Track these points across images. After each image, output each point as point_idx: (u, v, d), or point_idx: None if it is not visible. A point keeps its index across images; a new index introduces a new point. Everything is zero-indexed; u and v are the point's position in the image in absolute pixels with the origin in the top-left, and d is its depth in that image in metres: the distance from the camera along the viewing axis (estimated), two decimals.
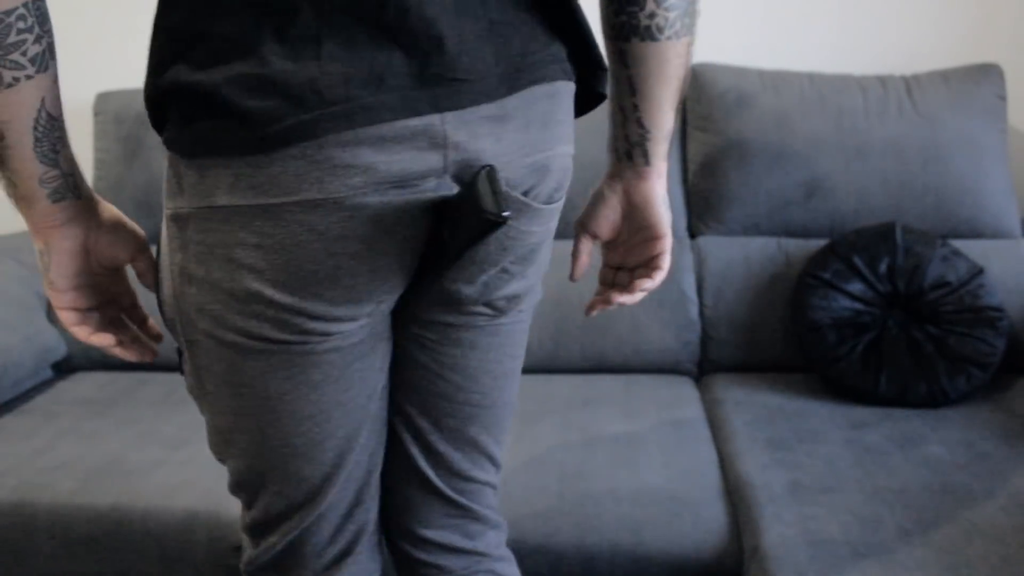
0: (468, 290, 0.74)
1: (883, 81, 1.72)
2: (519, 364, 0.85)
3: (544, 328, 1.67)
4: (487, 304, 0.76)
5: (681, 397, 1.56)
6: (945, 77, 1.71)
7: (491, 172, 0.64)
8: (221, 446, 0.81)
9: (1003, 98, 1.69)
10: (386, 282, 0.70)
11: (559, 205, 0.75)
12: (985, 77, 1.70)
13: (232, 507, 1.25)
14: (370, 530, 0.85)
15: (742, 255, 1.70)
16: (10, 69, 0.62)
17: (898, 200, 1.66)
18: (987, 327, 1.48)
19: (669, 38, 0.72)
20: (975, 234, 1.67)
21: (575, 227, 0.86)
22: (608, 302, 0.85)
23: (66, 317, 0.76)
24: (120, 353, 0.78)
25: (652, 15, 0.71)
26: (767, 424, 1.40)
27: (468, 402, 0.82)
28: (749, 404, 1.49)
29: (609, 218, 0.84)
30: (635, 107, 0.78)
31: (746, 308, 1.67)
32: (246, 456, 0.78)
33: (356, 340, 0.74)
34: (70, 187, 0.72)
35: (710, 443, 1.38)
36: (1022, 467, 1.22)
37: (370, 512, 0.85)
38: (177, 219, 0.68)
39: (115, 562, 1.26)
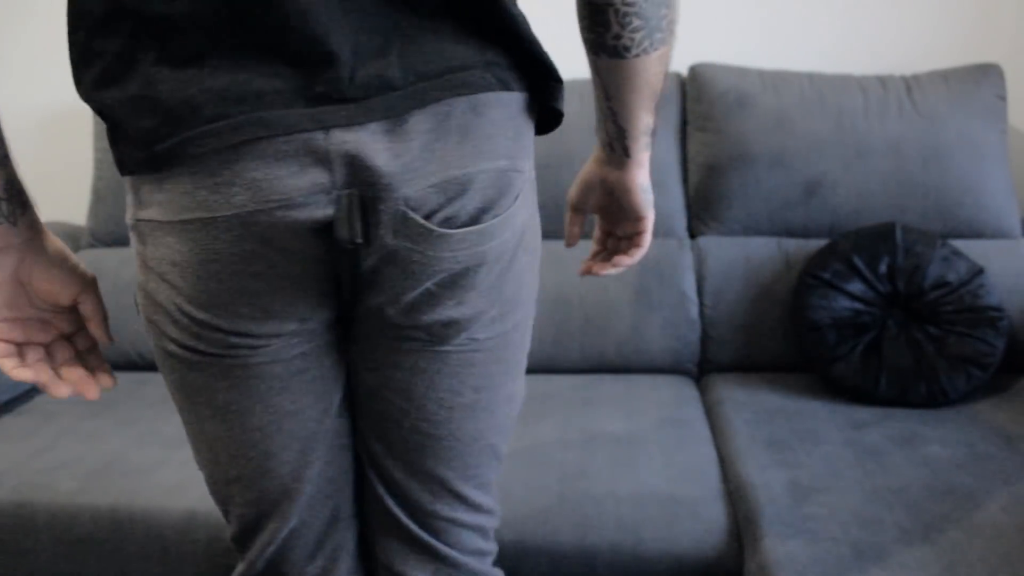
0: (392, 310, 0.71)
1: (883, 81, 1.72)
2: (492, 399, 0.78)
3: (544, 328, 1.67)
4: (419, 328, 0.72)
5: (681, 397, 1.56)
6: (945, 77, 1.71)
7: (351, 195, 0.62)
8: (194, 456, 0.83)
9: (1003, 98, 1.69)
10: (298, 300, 0.69)
11: (491, 226, 0.68)
12: (985, 77, 1.70)
13: None
14: (350, 553, 0.85)
15: (742, 255, 1.70)
16: None
17: (898, 200, 1.66)
18: (987, 327, 1.48)
19: (637, 55, 0.73)
20: (975, 234, 1.67)
21: (566, 201, 0.93)
22: (592, 272, 0.93)
23: None
24: (52, 391, 0.73)
25: (618, 36, 0.72)
26: (767, 424, 1.41)
27: (416, 429, 0.77)
28: (749, 404, 1.49)
29: (593, 198, 0.91)
30: (611, 110, 0.81)
31: (746, 308, 1.67)
32: (210, 465, 0.80)
33: (296, 352, 0.73)
34: (2, 212, 0.69)
35: (710, 443, 1.38)
36: (1022, 467, 1.22)
37: (346, 533, 0.85)
38: (130, 230, 0.70)
39: (115, 562, 1.26)
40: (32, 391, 1.70)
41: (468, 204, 0.66)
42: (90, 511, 1.26)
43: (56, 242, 0.73)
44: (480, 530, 0.84)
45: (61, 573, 1.28)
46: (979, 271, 1.52)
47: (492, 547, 0.87)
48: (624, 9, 0.71)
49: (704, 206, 1.76)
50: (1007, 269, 1.62)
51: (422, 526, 0.82)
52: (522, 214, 0.72)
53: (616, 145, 0.84)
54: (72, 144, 2.17)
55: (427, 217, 0.65)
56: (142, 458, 1.37)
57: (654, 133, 0.85)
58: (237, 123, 0.60)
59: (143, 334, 1.79)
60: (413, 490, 0.80)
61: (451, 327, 0.72)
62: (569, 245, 0.96)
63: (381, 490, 0.82)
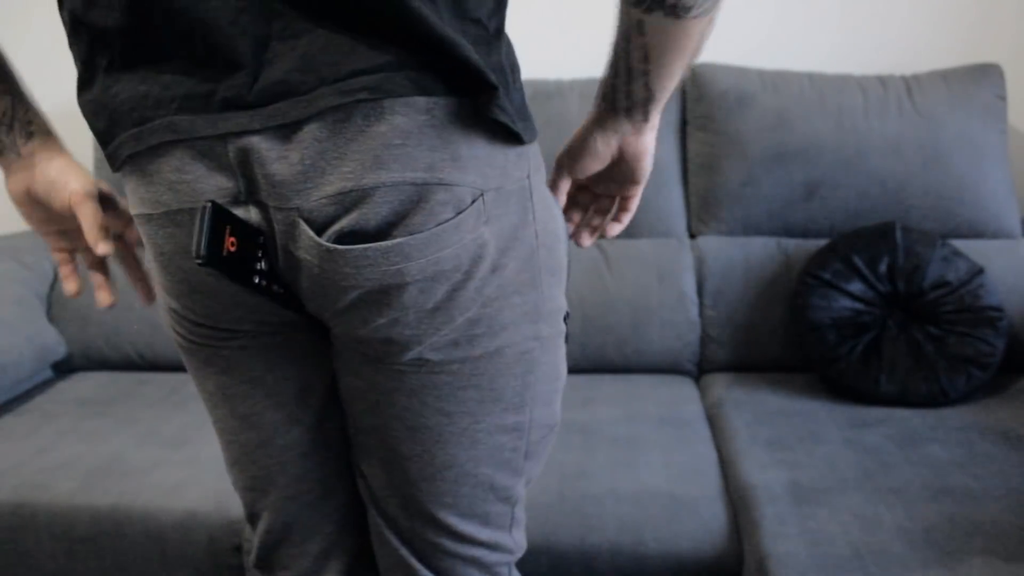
0: (330, 321, 0.69)
1: (883, 81, 1.72)
2: (471, 427, 0.73)
3: None
4: (360, 341, 0.69)
5: (681, 397, 1.56)
6: (945, 77, 1.71)
7: (203, 210, 0.60)
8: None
9: (1003, 98, 1.69)
10: (240, 305, 0.70)
11: (404, 244, 0.62)
12: (985, 77, 1.70)
13: (232, 507, 1.25)
14: (345, 557, 0.86)
15: (742, 255, 1.70)
16: None
17: (898, 200, 1.66)
18: (987, 327, 1.48)
19: (695, 16, 0.68)
20: (975, 234, 1.67)
21: (556, 162, 0.83)
22: (579, 243, 0.88)
23: (46, 241, 0.84)
24: (64, 285, 0.83)
25: None
26: (767, 424, 1.40)
27: (385, 445, 0.75)
28: (749, 404, 1.49)
29: (594, 167, 0.82)
30: (645, 72, 0.74)
31: (746, 308, 1.67)
32: (221, 447, 0.84)
33: (270, 346, 0.75)
34: (2, 141, 0.76)
35: (710, 443, 1.38)
36: (1022, 467, 1.22)
37: (341, 537, 0.86)
38: None
39: (115, 562, 1.26)
40: (32, 391, 1.70)
41: (370, 218, 0.62)
42: (90, 511, 1.26)
43: (60, 160, 0.78)
44: (476, 563, 0.81)
45: (61, 573, 1.28)
46: (979, 271, 1.52)
47: None
48: None
49: (704, 206, 1.76)
50: (1007, 269, 1.62)
51: (408, 545, 0.80)
52: (481, 232, 0.65)
53: (637, 109, 0.77)
54: (72, 144, 2.17)
55: (320, 231, 0.62)
56: (142, 458, 1.37)
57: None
58: (153, 127, 0.63)
59: (142, 334, 1.79)
60: (393, 507, 0.79)
61: (391, 345, 0.68)
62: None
63: (368, 503, 0.82)
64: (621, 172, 0.82)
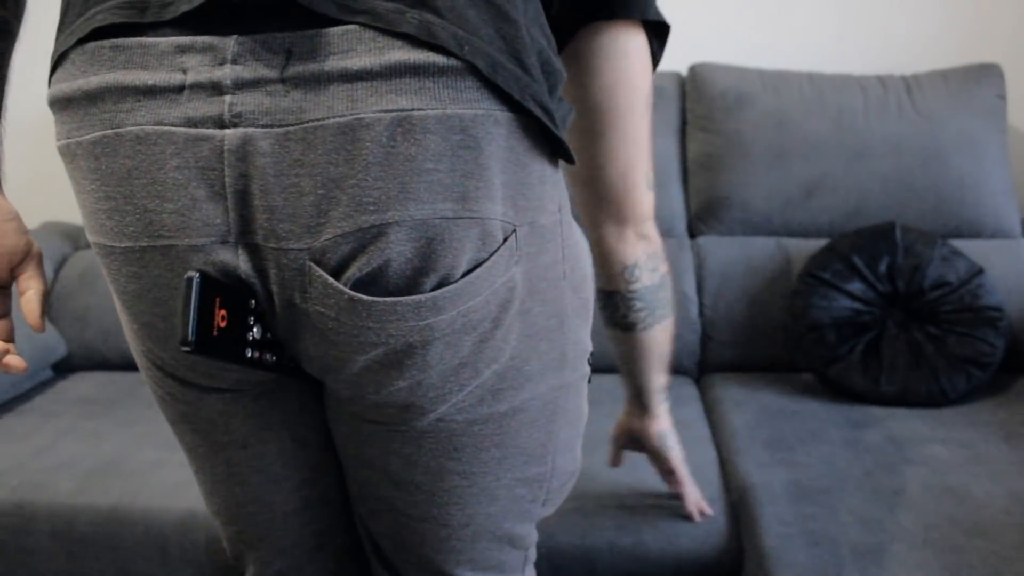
0: (335, 384, 0.60)
1: (883, 81, 1.72)
2: (492, 485, 0.66)
3: None
4: (371, 407, 0.61)
5: (681, 397, 1.56)
6: (945, 77, 1.71)
7: (188, 284, 0.50)
8: None
9: (1003, 98, 1.69)
10: (215, 366, 0.61)
11: (436, 297, 0.53)
12: (985, 77, 1.70)
13: None
14: None
15: (742, 255, 1.70)
16: None
17: (898, 200, 1.66)
18: (987, 327, 1.48)
19: (643, 329, 0.91)
20: (975, 234, 1.67)
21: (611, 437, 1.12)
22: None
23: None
24: None
25: (625, 315, 0.90)
26: (767, 424, 1.40)
27: (396, 509, 0.69)
28: (749, 404, 1.49)
29: (624, 439, 1.10)
30: (629, 371, 0.98)
31: (746, 308, 1.67)
32: (201, 492, 0.76)
33: (257, 402, 0.66)
34: None
35: (710, 443, 1.38)
36: (1022, 467, 1.22)
37: None
38: None
39: (115, 562, 1.26)
40: (32, 391, 1.70)
41: (392, 259, 0.51)
42: (90, 511, 1.26)
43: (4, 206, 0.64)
44: None
45: (61, 573, 1.28)
46: (979, 271, 1.52)
47: None
48: (629, 296, 0.88)
49: (704, 206, 1.76)
50: (1007, 269, 1.62)
51: None
52: (512, 273, 0.57)
53: (635, 400, 1.02)
54: None
55: (334, 275, 0.52)
56: (142, 458, 1.37)
57: (668, 388, 1.04)
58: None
59: None
60: (403, 563, 0.74)
61: (410, 410, 0.59)
62: (610, 465, 1.16)
63: (371, 554, 0.77)
64: (648, 449, 1.08)
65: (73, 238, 2.00)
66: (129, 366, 1.81)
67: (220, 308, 0.52)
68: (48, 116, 2.16)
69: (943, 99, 1.68)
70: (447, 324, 0.54)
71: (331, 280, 0.52)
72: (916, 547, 1.04)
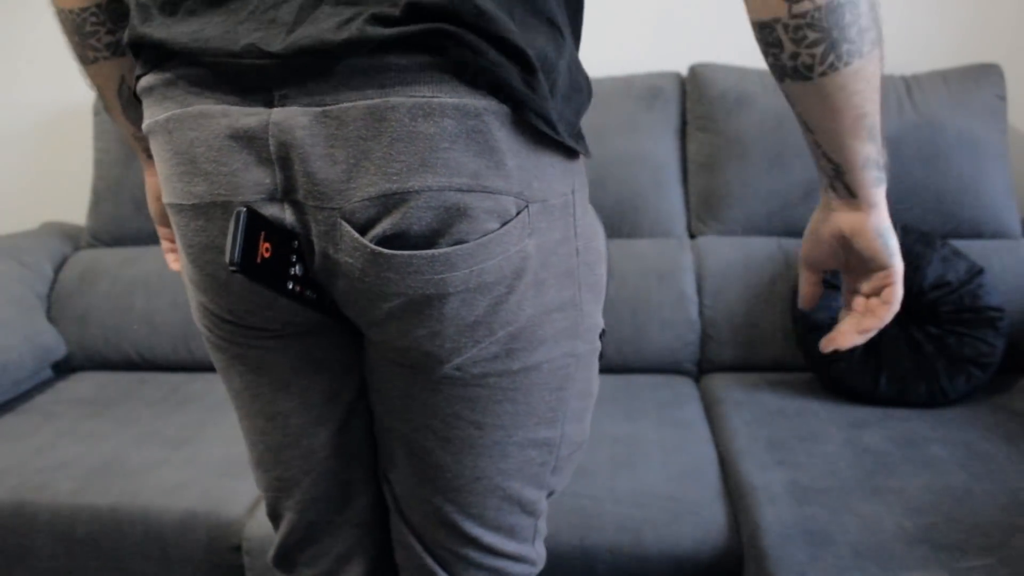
0: (367, 329, 0.68)
1: (883, 81, 1.72)
2: (502, 439, 0.72)
3: None
4: (397, 351, 0.68)
5: (681, 397, 1.56)
6: (945, 77, 1.71)
7: (237, 216, 0.59)
8: None
9: (1003, 98, 1.69)
10: (269, 305, 0.68)
11: (449, 254, 0.60)
12: (985, 77, 1.70)
13: (232, 507, 1.25)
14: (365, 562, 0.85)
15: (742, 255, 1.70)
16: (91, 50, 0.79)
17: (898, 200, 1.66)
18: (987, 327, 1.48)
19: (823, 74, 0.63)
20: (975, 234, 1.67)
21: (800, 258, 0.80)
22: (837, 345, 0.77)
23: (163, 242, 0.93)
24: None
25: (795, 55, 0.62)
26: (767, 424, 1.40)
27: (413, 455, 0.74)
28: (749, 404, 1.49)
29: (825, 251, 0.76)
30: (816, 143, 0.70)
31: (746, 308, 1.67)
32: (247, 445, 0.83)
33: (302, 343, 0.74)
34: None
35: (710, 443, 1.38)
36: (1022, 467, 1.22)
37: (362, 541, 0.85)
38: None
39: (115, 562, 1.26)
40: (32, 391, 1.70)
41: (413, 223, 0.59)
42: (90, 511, 1.26)
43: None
44: (499, 574, 0.79)
45: (61, 573, 1.28)
46: (979, 271, 1.52)
47: None
48: (795, 23, 0.61)
49: (704, 206, 1.76)
50: (1007, 269, 1.62)
51: (431, 553, 0.80)
52: (525, 244, 0.64)
53: (837, 184, 0.71)
54: (72, 144, 2.17)
55: (362, 232, 0.60)
56: (142, 458, 1.37)
57: (885, 166, 0.70)
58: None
59: (142, 334, 1.79)
60: (419, 516, 0.78)
61: (430, 357, 0.66)
62: (804, 307, 0.82)
63: (393, 510, 0.81)
64: (858, 255, 0.74)
65: (73, 238, 2.00)
66: (129, 366, 1.81)
67: (264, 241, 0.60)
68: (48, 118, 2.16)
69: (943, 99, 1.68)
70: (461, 281, 0.61)
71: (357, 235, 0.60)
72: (916, 547, 1.04)
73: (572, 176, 0.67)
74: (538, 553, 0.82)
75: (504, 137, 0.60)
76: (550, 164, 0.64)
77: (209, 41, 0.60)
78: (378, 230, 0.59)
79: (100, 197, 1.92)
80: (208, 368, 1.80)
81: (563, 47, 0.63)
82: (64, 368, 1.83)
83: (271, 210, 0.61)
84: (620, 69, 1.94)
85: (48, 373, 1.80)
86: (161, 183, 0.67)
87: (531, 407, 0.71)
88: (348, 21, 0.57)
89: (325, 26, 0.57)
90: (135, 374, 1.78)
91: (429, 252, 0.60)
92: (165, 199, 0.67)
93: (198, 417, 1.53)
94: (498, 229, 0.61)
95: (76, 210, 2.20)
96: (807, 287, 0.80)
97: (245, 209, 0.59)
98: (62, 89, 2.13)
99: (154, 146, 0.66)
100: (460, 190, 0.59)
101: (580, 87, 0.66)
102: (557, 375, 0.70)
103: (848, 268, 0.77)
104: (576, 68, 0.66)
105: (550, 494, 0.80)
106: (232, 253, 0.58)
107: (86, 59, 0.80)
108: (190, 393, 1.66)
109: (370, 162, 0.58)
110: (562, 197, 0.66)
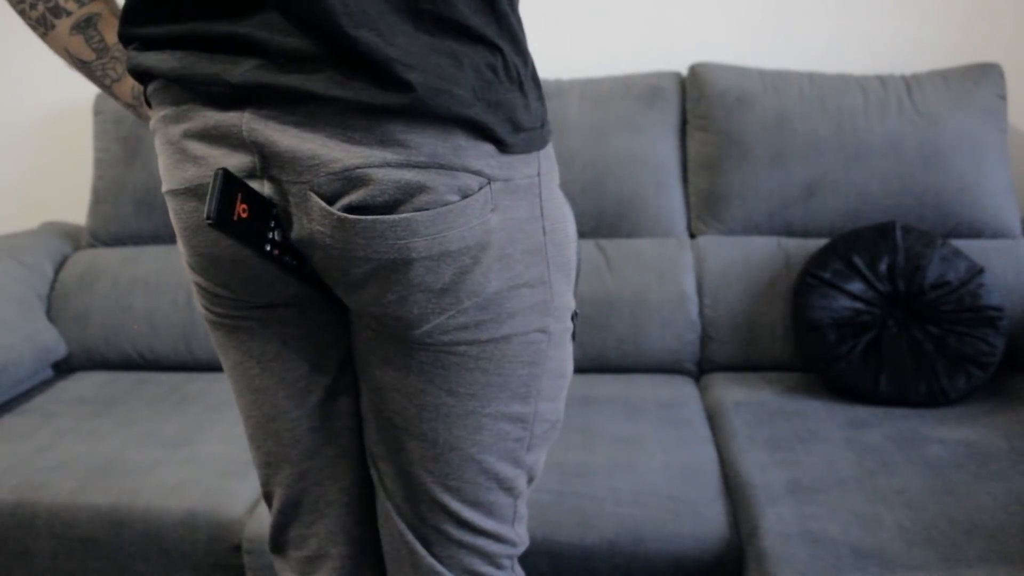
0: (345, 296, 0.72)
1: (883, 81, 1.72)
2: (475, 409, 0.75)
3: None
4: (372, 317, 0.72)
5: (681, 397, 1.56)
6: (945, 77, 1.71)
7: (215, 176, 0.63)
8: None
9: (1003, 98, 1.69)
10: (257, 279, 0.74)
11: (410, 220, 0.65)
12: (985, 77, 1.70)
13: (232, 507, 1.25)
14: (349, 541, 0.87)
15: (742, 255, 1.70)
16: (108, 80, 0.88)
17: (898, 200, 1.66)
18: (987, 327, 1.48)
19: None
20: (975, 234, 1.67)
21: None
22: None
23: None
24: None
25: None
26: (767, 424, 1.40)
27: (392, 423, 0.77)
28: (749, 404, 1.49)
29: None
30: None
31: (746, 308, 1.67)
32: (243, 422, 0.88)
33: (289, 316, 0.79)
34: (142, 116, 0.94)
35: (710, 443, 1.38)
36: (1022, 467, 1.22)
37: (347, 519, 0.87)
38: None
39: (115, 562, 1.26)
40: (32, 391, 1.70)
41: (376, 196, 0.64)
42: (90, 511, 1.26)
43: None
44: (479, 552, 0.81)
45: (61, 573, 1.28)
46: (979, 271, 1.52)
47: (497, 574, 0.83)
48: None
49: (704, 206, 1.76)
50: (1007, 269, 1.62)
51: (413, 530, 0.81)
52: (488, 219, 0.67)
53: None
54: (72, 144, 2.17)
55: (330, 203, 0.65)
56: (142, 458, 1.37)
57: None
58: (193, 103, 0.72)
59: (142, 334, 1.79)
60: (399, 490, 0.80)
61: (400, 322, 0.70)
62: None
63: (378, 486, 0.84)
64: None
65: (73, 238, 2.00)
66: (129, 366, 1.81)
67: (242, 203, 0.64)
68: (48, 118, 2.16)
69: (943, 99, 1.68)
70: (424, 247, 0.66)
71: (324, 204, 0.65)
72: (916, 547, 1.04)
73: (537, 161, 0.71)
74: (518, 535, 0.84)
75: (460, 130, 0.65)
76: (507, 152, 0.68)
77: (186, 69, 0.67)
78: (345, 201, 0.65)
79: (100, 197, 1.93)
80: (208, 368, 1.80)
81: (481, 54, 0.66)
82: (64, 368, 1.83)
83: (254, 185, 0.67)
84: (620, 69, 1.94)
85: (48, 373, 1.80)
86: (161, 172, 0.73)
87: (504, 380, 0.74)
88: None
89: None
90: (135, 374, 1.78)
91: (392, 217, 0.64)
92: (163, 188, 0.73)
93: (198, 417, 1.53)
94: (459, 201, 0.66)
95: (76, 210, 2.20)
96: None
97: (222, 170, 0.63)
98: (62, 89, 2.13)
99: (156, 143, 0.74)
100: (418, 167, 0.64)
101: (526, 77, 0.70)
102: (528, 349, 0.74)
103: None
104: (522, 56, 0.70)
105: (530, 481, 0.82)
106: (209, 207, 0.62)
107: (105, 87, 0.89)
108: (190, 393, 1.66)
109: (335, 144, 0.64)
110: (527, 179, 0.70)
